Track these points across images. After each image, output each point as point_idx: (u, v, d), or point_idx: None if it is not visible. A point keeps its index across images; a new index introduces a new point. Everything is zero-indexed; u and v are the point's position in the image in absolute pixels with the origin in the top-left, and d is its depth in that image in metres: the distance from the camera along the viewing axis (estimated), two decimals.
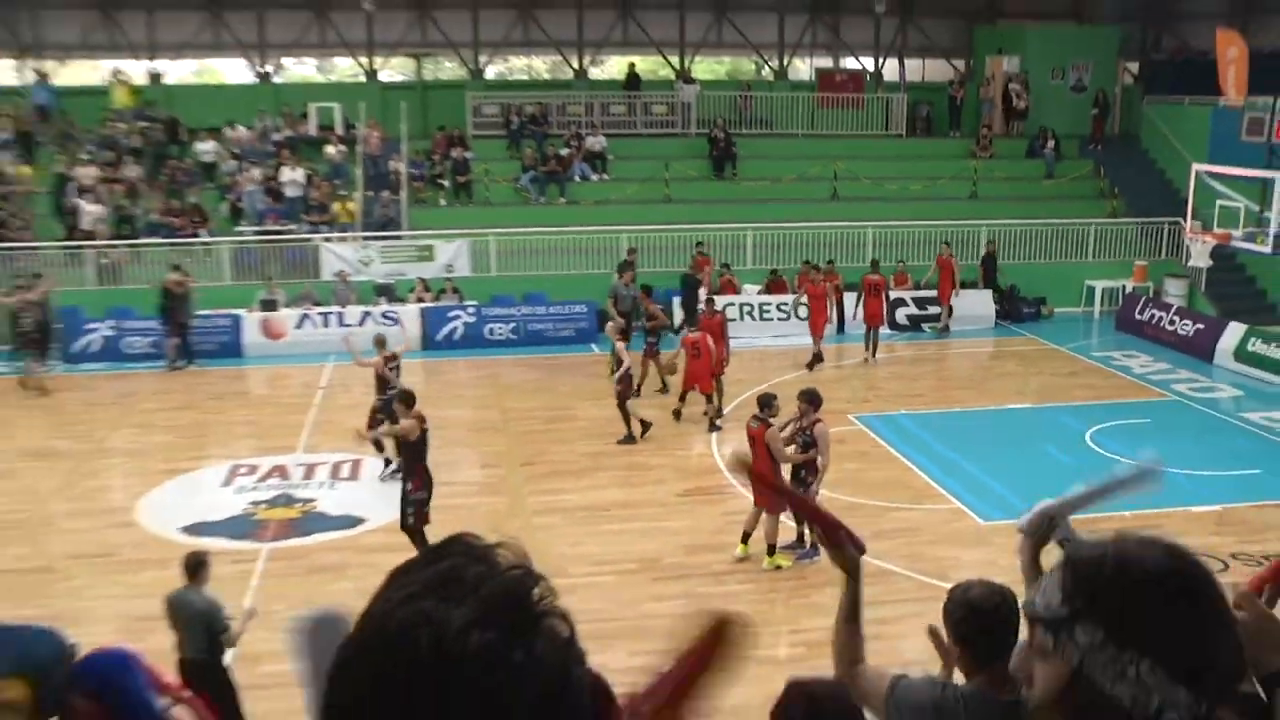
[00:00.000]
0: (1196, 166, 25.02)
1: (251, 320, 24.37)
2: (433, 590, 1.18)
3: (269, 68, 33.09)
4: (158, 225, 26.61)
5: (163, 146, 29.38)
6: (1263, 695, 2.20)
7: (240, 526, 14.56)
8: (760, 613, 12.05)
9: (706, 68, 36.09)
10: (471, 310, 25.09)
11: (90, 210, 26.40)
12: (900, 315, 26.03)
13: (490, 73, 34.23)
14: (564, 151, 29.69)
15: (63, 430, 19.23)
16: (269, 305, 24.73)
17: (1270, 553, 12.13)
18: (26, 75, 31.79)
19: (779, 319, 25.09)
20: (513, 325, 24.90)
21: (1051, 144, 31.14)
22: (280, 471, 16.61)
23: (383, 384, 16.42)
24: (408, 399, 13.07)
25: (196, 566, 9.27)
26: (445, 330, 24.76)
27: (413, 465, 12.85)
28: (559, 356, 23.71)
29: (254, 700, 9.12)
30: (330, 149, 29.19)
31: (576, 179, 29.65)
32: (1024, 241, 27.75)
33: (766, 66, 35.21)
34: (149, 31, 32.13)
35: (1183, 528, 13.19)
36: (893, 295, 25.31)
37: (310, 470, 16.67)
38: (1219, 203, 24.47)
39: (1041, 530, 3.51)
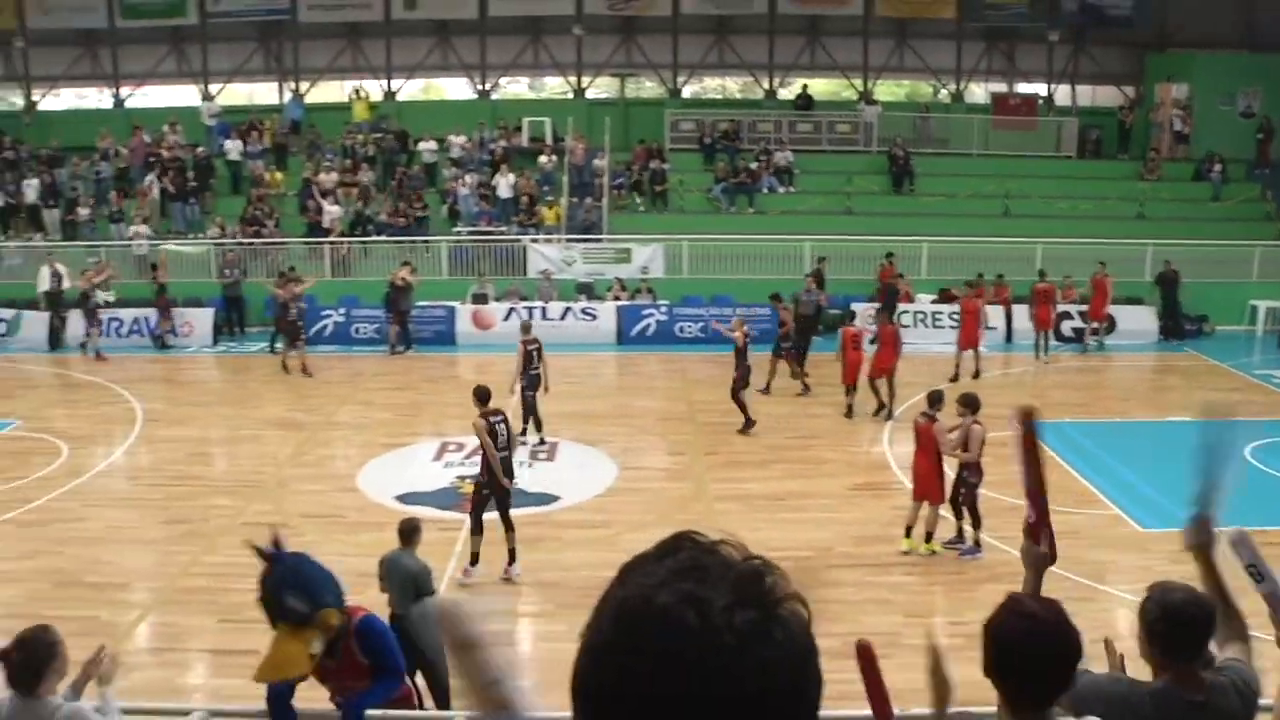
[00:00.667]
0: None
1: (464, 312, 24.86)
2: (683, 576, 1.18)
3: (487, 85, 33.71)
4: (385, 225, 27.38)
5: (393, 155, 30.22)
6: None
7: (447, 498, 14.75)
8: (922, 603, 11.73)
9: (887, 89, 35.42)
10: (664, 309, 25.11)
11: (329, 210, 27.35)
12: (1066, 328, 25.04)
13: (686, 92, 34.22)
14: (753, 165, 29.59)
15: (300, 404, 19.91)
16: (480, 299, 25.19)
17: None
18: (285, 95, 33.16)
19: (950, 326, 24.46)
20: (701, 324, 24.78)
21: (1219, 168, 29.62)
22: None
23: (527, 363, 16.61)
24: (479, 394, 12.53)
25: (410, 532, 9.38)
26: (639, 327, 24.83)
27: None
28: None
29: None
30: (541, 159, 29.59)
31: (764, 191, 29.48)
32: (1188, 261, 26.38)
33: (944, 90, 34.39)
34: (386, 55, 33.07)
35: None
36: (1060, 307, 24.39)
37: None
38: None
39: (1203, 538, 3.29)
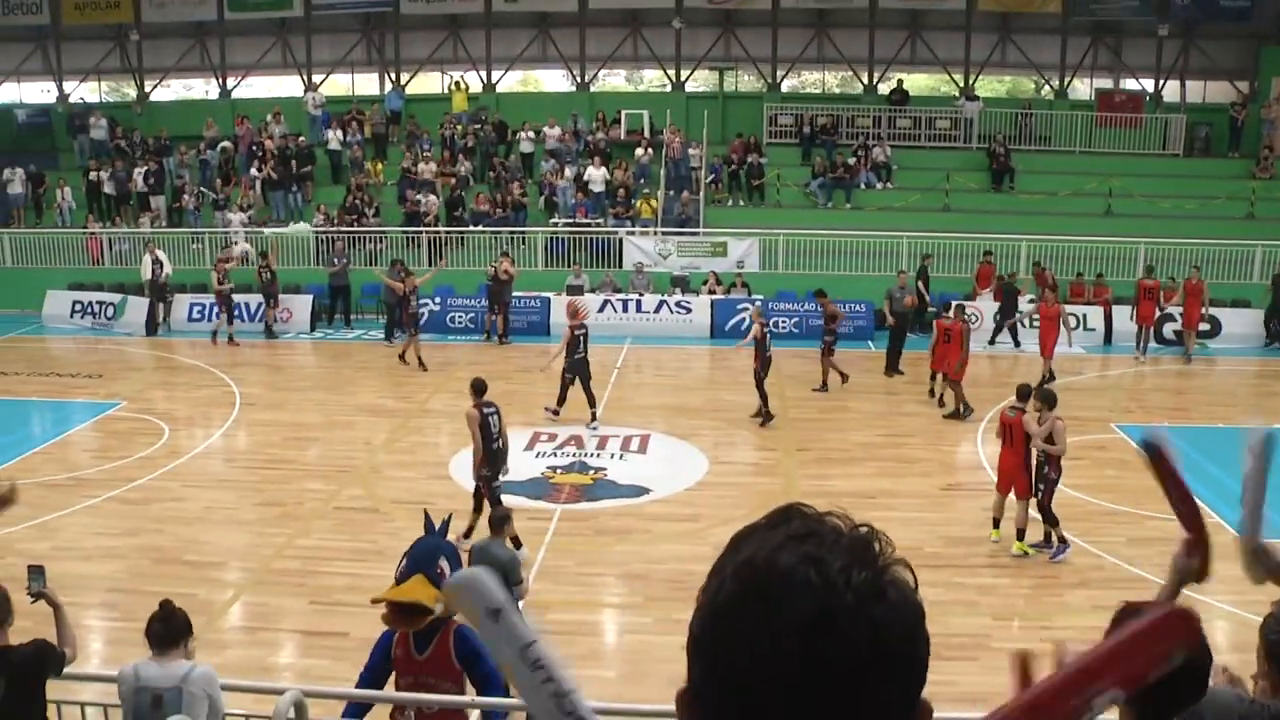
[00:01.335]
0: None
1: (559, 303, 24.94)
2: (800, 541, 1.23)
3: (586, 78, 33.80)
4: (481, 215, 27.60)
5: (491, 146, 30.44)
6: None
7: (538, 488, 14.81)
8: (1011, 607, 11.50)
9: (987, 85, 34.84)
10: (759, 304, 24.96)
11: (427, 200, 27.66)
12: (1168, 330, 24.32)
13: (785, 86, 33.98)
14: (851, 160, 29.30)
15: (393, 391, 20.18)
16: (575, 290, 25.26)
17: None
18: (385, 86, 33.61)
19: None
20: (795, 319, 24.62)
21: None
22: (576, 441, 16.85)
23: (571, 349, 17.34)
24: (476, 386, 12.75)
25: (501, 521, 9.43)
26: (733, 320, 24.70)
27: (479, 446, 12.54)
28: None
29: None
30: (638, 151, 29.60)
31: (862, 186, 29.19)
32: None
33: (1047, 86, 33.71)
34: (486, 47, 33.33)
35: None
36: (1164, 309, 23.67)
37: (603, 442, 16.85)
38: None
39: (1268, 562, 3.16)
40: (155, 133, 31.21)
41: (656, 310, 24.70)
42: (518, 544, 11.50)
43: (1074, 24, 32.09)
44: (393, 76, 33.82)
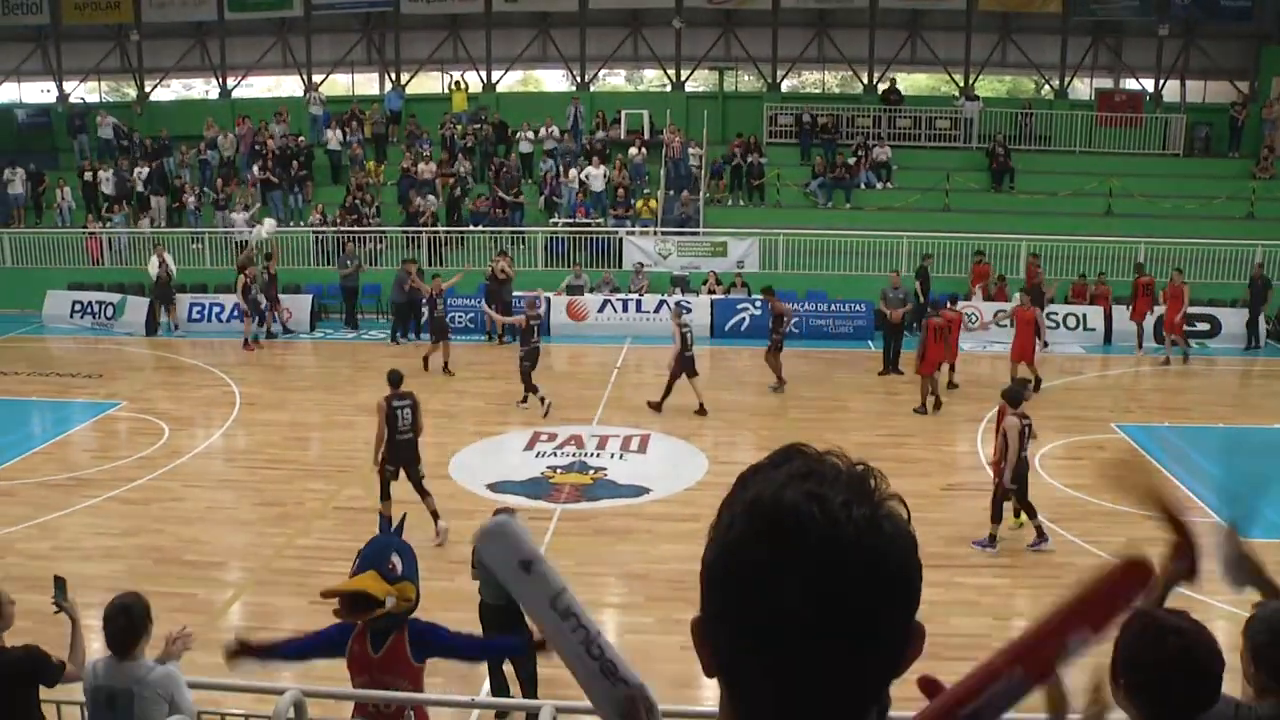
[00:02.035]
0: None
1: (559, 303, 24.94)
2: (803, 479, 1.30)
3: (586, 78, 33.80)
4: (481, 215, 27.60)
5: (491, 146, 30.43)
6: None
7: (538, 487, 14.82)
8: (1011, 607, 11.51)
9: (988, 85, 34.83)
10: (759, 303, 24.93)
11: (426, 200, 27.65)
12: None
13: (785, 86, 33.98)
14: (851, 160, 29.29)
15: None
16: (574, 290, 25.25)
17: None
18: (385, 86, 33.60)
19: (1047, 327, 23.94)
20: (795, 320, 24.58)
21: None
22: (576, 441, 16.84)
23: (527, 336, 17.84)
24: (391, 377, 13.21)
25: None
26: (733, 320, 24.71)
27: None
28: (837, 351, 23.33)
29: None
30: (631, 151, 29.59)
31: (862, 186, 29.20)
32: None
33: (1047, 85, 33.71)
34: (486, 47, 33.33)
35: None
36: (1159, 310, 23.56)
37: (603, 441, 16.83)
38: None
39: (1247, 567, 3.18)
40: (155, 133, 31.23)
41: (656, 310, 24.70)
42: None
43: (1074, 24, 32.09)
44: (393, 76, 33.85)
